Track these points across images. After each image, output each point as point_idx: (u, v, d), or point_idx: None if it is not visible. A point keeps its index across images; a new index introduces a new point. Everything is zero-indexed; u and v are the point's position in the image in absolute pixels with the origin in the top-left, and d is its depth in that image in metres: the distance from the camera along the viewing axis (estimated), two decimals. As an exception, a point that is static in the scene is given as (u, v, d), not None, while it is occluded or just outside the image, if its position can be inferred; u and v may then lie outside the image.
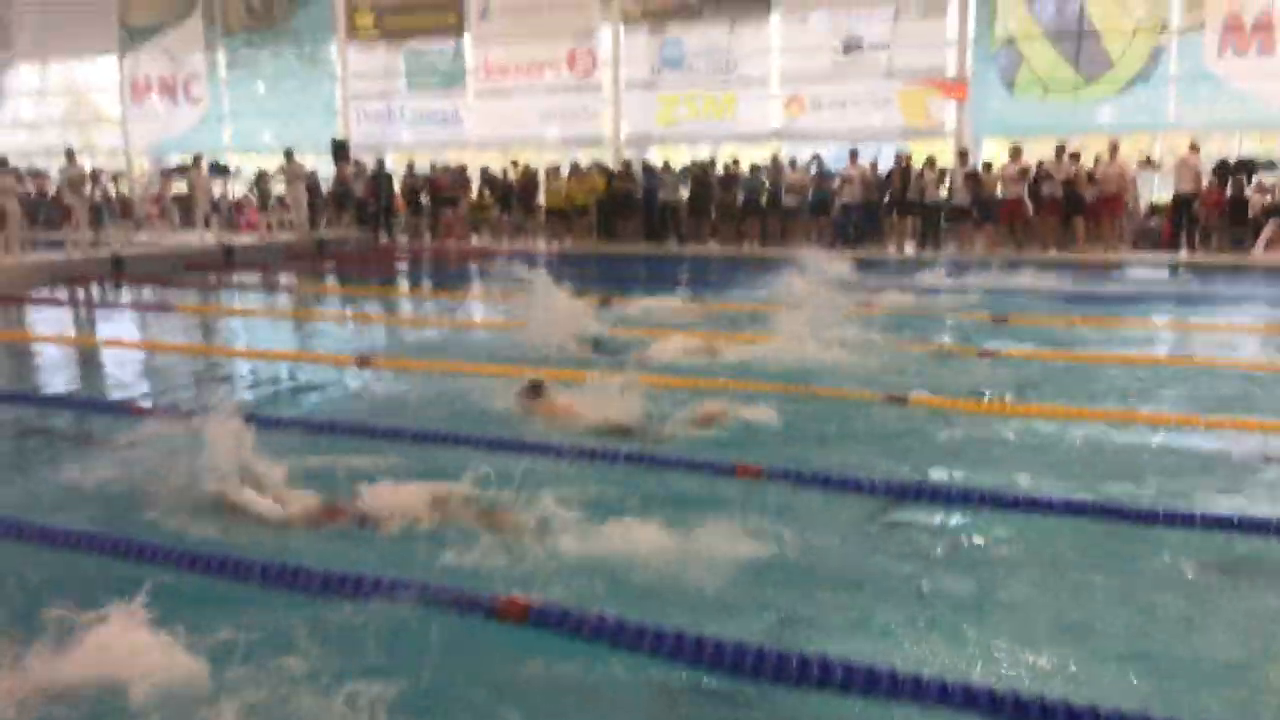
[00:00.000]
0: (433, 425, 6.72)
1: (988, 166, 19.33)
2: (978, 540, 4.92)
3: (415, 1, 25.55)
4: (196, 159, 22.29)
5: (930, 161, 19.42)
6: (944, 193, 19.46)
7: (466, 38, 25.19)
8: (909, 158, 19.68)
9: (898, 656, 3.68)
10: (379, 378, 8.63)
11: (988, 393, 7.84)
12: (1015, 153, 18.86)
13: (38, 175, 26.85)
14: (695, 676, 3.60)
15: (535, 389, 6.94)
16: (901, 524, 5.12)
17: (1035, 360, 9.20)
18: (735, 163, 20.89)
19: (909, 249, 19.51)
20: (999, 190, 18.80)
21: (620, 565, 4.53)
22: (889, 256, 18.92)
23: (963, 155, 19.69)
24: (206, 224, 20.98)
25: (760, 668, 3.57)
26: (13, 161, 20.71)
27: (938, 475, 5.92)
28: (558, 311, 9.83)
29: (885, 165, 20.05)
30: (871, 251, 19.17)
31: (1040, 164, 18.77)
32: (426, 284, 16.64)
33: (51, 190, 24.68)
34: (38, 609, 3.70)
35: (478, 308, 13.67)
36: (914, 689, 3.41)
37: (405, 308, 13.01)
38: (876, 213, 19.89)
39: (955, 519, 5.17)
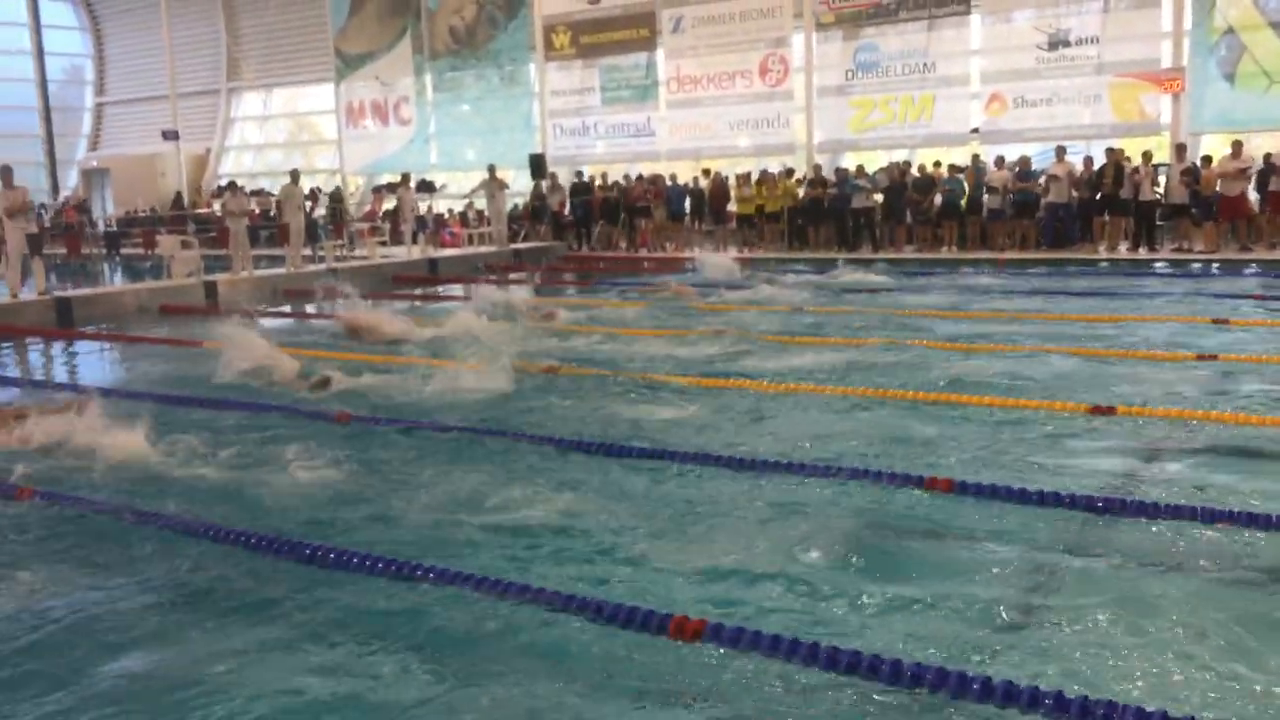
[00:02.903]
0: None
1: (1206, 161, 18.12)
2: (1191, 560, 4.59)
3: (609, 19, 25.99)
4: (405, 177, 23.28)
5: (1146, 157, 18.37)
6: (1160, 190, 18.38)
7: (659, 51, 25.44)
8: (1122, 153, 18.66)
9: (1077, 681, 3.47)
10: (570, 384, 8.77)
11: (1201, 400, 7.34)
12: (1237, 147, 17.60)
13: (260, 195, 28.74)
14: (867, 693, 3.48)
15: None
16: (1103, 538, 4.82)
17: (1257, 365, 8.54)
18: (937, 164, 20.31)
19: (1122, 249, 18.50)
20: (1218, 186, 17.61)
21: (799, 582, 4.46)
22: (1099, 257, 18.02)
23: (1180, 150, 18.54)
24: (414, 239, 21.88)
25: (942, 686, 3.43)
26: (239, 182, 22.32)
27: (1144, 488, 5.55)
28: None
29: (1094, 163, 19.05)
30: (1080, 252, 18.31)
31: (1268, 156, 17.48)
32: (611, 292, 16.77)
33: (272, 209, 26.30)
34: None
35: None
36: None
37: (600, 314, 13.22)
38: (1086, 212, 18.94)
39: (1159, 533, 4.84)
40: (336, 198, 26.93)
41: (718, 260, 17.55)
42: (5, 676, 3.86)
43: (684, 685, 3.60)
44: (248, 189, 28.63)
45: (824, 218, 21.00)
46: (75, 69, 37.69)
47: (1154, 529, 4.90)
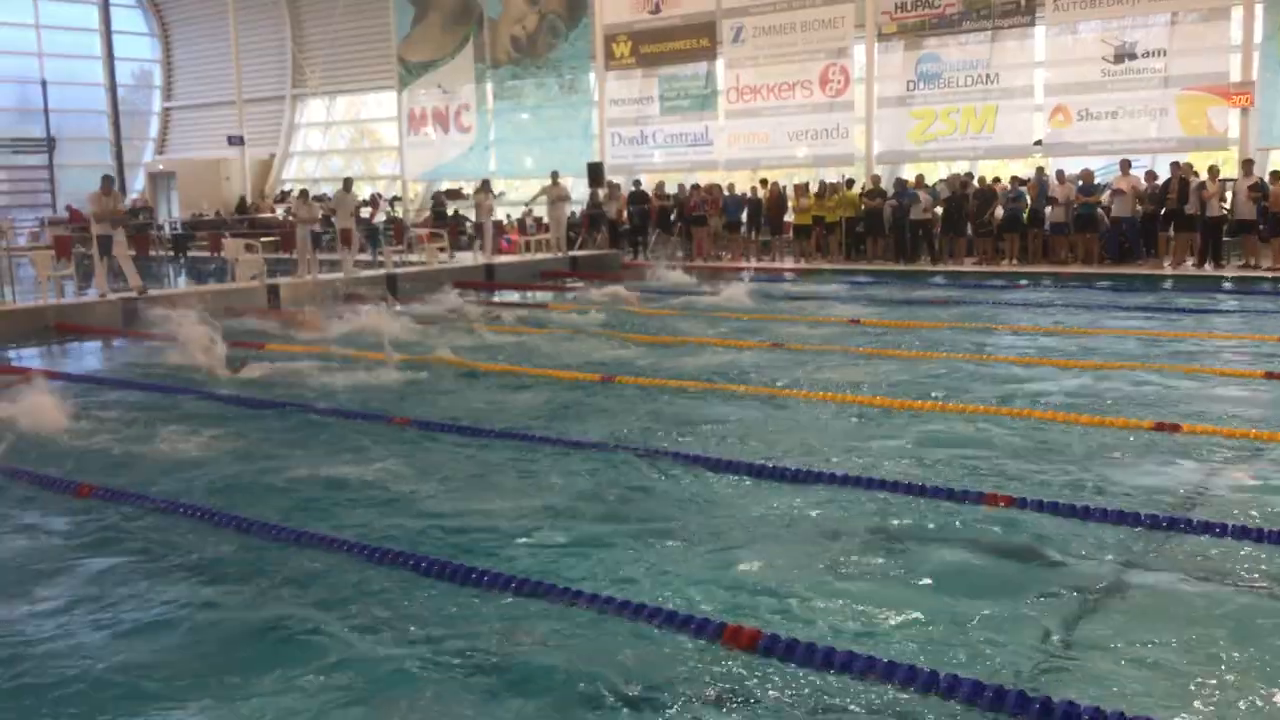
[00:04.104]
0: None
1: (1275, 176, 17.74)
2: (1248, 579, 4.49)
3: (670, 29, 26.04)
4: (485, 184, 23.32)
5: (1213, 172, 18.03)
6: (1227, 206, 18.03)
7: (719, 61, 25.43)
8: (1189, 168, 18.32)
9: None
10: (620, 391, 8.79)
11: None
12: (1308, 162, 17.25)
13: (322, 200, 29.11)
14: (922, 711, 3.45)
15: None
16: (1165, 556, 4.74)
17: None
18: (996, 180, 20.07)
19: (1188, 265, 18.16)
20: (1288, 202, 17.23)
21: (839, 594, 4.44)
22: (1164, 272, 17.71)
23: (1247, 165, 18.18)
24: (481, 246, 22.01)
25: (999, 706, 3.39)
26: (300, 187, 22.61)
27: (1207, 507, 5.44)
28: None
29: (1157, 177, 18.73)
30: (1145, 267, 18.01)
31: (1340, 172, 17.10)
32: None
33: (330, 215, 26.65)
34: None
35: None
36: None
37: (653, 325, 13.33)
38: (1150, 228, 18.63)
39: (1221, 553, 4.75)
40: (439, 204, 27.45)
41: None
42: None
43: (729, 693, 3.59)
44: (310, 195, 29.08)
45: (882, 229, 20.85)
46: (144, 74, 38.44)
47: (1216, 548, 4.81)
